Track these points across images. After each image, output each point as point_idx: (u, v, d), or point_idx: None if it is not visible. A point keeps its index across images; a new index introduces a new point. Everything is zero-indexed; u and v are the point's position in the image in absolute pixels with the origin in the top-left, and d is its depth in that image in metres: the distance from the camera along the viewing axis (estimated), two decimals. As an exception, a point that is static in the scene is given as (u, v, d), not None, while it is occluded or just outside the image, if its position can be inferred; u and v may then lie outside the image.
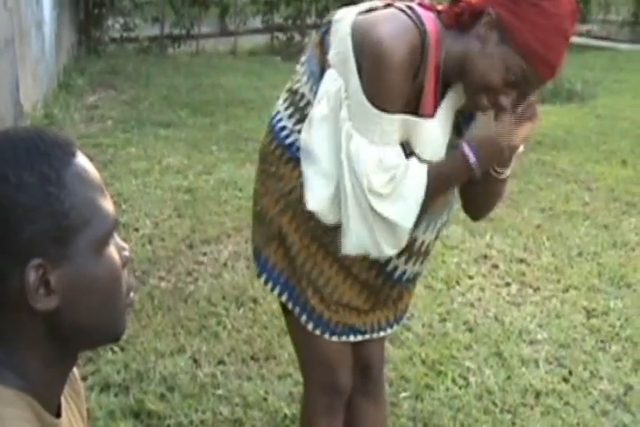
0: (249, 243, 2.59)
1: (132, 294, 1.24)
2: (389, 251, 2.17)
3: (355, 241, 2.16)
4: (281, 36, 12.23)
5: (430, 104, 2.14)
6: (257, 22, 12.25)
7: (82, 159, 1.16)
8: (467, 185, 2.30)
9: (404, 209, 2.11)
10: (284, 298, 2.39)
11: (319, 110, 2.13)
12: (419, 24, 2.06)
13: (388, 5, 2.15)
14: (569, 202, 6.01)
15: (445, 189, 2.24)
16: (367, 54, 2.04)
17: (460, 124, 2.25)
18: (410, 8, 2.10)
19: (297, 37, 12.14)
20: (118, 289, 1.19)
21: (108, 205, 1.17)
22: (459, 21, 2.08)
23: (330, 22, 2.18)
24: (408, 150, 2.14)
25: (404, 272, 2.36)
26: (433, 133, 2.15)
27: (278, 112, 2.32)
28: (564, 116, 8.48)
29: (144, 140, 6.93)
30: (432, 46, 2.06)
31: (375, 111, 2.06)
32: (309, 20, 12.18)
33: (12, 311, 1.12)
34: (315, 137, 2.15)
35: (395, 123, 2.08)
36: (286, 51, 11.82)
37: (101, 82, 8.93)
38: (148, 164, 6.32)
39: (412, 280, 2.45)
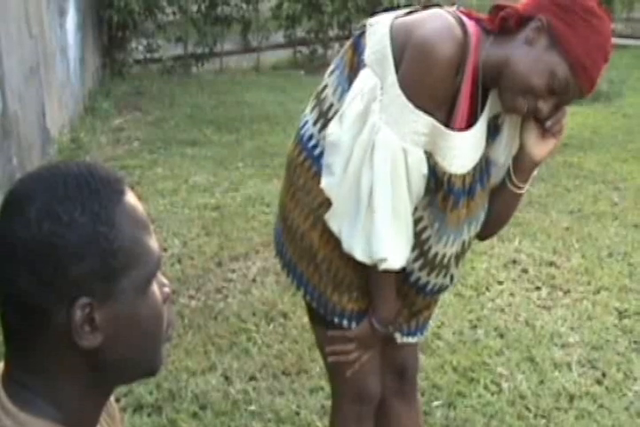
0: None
1: (170, 330, 1.25)
2: (359, 255, 2.19)
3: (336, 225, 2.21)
4: (304, 49, 12.22)
5: (464, 115, 2.15)
6: (279, 37, 12.23)
7: (131, 197, 1.17)
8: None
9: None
10: (321, 312, 2.40)
11: (353, 107, 2.14)
12: (461, 25, 2.10)
13: (427, 7, 2.20)
14: (597, 203, 5.97)
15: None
16: (414, 49, 2.07)
17: (487, 136, 2.25)
18: (451, 11, 2.16)
19: (320, 50, 12.10)
20: (159, 326, 1.21)
21: (153, 243, 1.18)
22: (502, 26, 2.11)
23: (364, 26, 2.22)
24: (432, 162, 2.15)
25: (427, 283, 2.36)
26: (464, 146, 2.16)
27: (306, 120, 2.34)
28: (590, 117, 8.43)
29: (170, 160, 6.97)
30: (472, 47, 2.09)
31: (412, 108, 2.07)
32: (332, 33, 12.14)
33: (54, 345, 1.13)
34: (345, 133, 2.15)
35: (428, 126, 2.09)
36: (309, 64, 11.81)
37: (126, 104, 8.98)
38: (174, 183, 6.35)
39: (439, 291, 2.44)
